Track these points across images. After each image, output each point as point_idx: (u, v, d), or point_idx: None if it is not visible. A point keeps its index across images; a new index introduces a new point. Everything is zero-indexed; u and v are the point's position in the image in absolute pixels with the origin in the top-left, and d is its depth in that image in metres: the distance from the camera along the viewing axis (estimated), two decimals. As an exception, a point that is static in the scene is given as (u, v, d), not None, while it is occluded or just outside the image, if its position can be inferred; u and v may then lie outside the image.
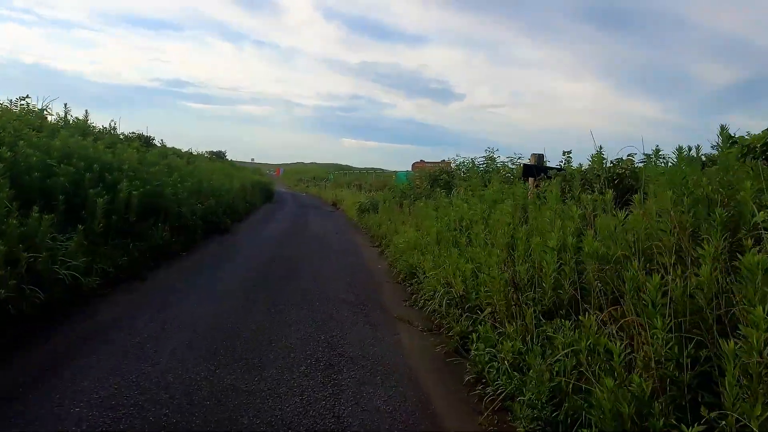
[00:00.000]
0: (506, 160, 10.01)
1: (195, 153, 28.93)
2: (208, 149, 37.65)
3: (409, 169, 28.03)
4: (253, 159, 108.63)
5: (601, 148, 5.46)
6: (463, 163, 11.52)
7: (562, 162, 7.36)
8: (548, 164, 7.42)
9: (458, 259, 5.61)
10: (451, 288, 5.28)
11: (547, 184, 6.30)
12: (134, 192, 7.09)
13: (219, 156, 37.15)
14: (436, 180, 11.69)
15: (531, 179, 7.17)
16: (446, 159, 24.79)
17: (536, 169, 7.12)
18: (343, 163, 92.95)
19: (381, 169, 41.64)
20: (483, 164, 10.81)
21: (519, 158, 9.79)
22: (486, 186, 9.04)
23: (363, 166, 61.86)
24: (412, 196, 12.54)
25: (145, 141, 18.51)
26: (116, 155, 8.41)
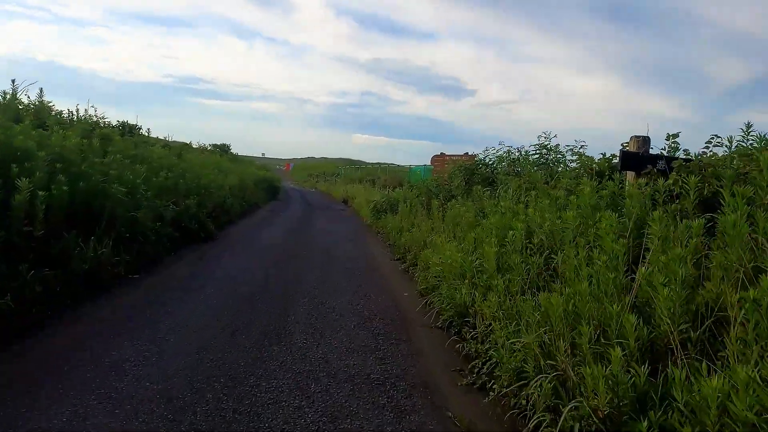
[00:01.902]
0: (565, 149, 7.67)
1: (196, 146, 26.90)
2: (212, 143, 35.67)
3: (426, 163, 25.56)
4: (263, 153, 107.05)
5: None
6: (506, 154, 9.10)
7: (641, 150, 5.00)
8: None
9: (561, 316, 3.17)
10: (560, 373, 2.86)
11: (663, 181, 3.99)
12: (46, 192, 4.77)
13: (223, 149, 35.04)
14: (473, 174, 9.30)
15: (631, 173, 4.85)
16: (469, 152, 22.35)
17: (641, 158, 4.77)
18: (354, 158, 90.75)
19: (390, 164, 39.25)
20: (535, 154, 8.42)
21: (582, 146, 7.46)
22: (549, 183, 6.72)
23: (374, 161, 59.65)
24: (441, 195, 10.16)
25: (129, 130, 16.34)
26: (46, 141, 6.07)
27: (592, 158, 6.68)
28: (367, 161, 72.03)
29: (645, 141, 5.05)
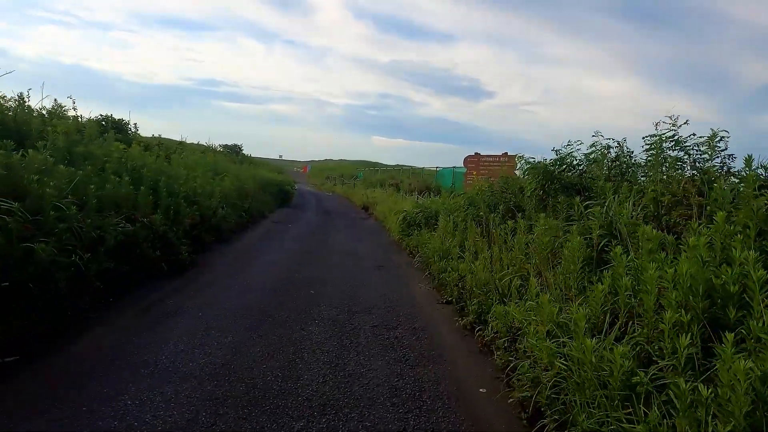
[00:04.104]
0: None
1: (206, 145, 24.44)
2: (223, 143, 33.36)
3: (449, 165, 22.88)
4: (281, 156, 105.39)
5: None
6: (604, 152, 6.28)
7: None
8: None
9: None
10: None
11: None
12: None
13: (233, 150, 32.76)
14: (554, 180, 6.48)
15: None
16: (508, 152, 19.53)
17: None
18: (373, 160, 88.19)
19: (412, 166, 36.60)
20: (651, 150, 5.69)
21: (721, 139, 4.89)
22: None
23: (393, 164, 57.00)
24: (500, 207, 7.38)
25: (114, 126, 13.86)
26: None
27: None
28: (386, 163, 69.50)
29: None
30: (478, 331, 4.75)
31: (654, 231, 3.77)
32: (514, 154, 18.96)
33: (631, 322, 3.35)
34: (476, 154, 20.06)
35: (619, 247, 3.92)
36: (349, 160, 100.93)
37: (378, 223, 15.35)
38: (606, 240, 4.57)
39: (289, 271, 7.24)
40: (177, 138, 19.65)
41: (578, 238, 4.43)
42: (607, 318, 3.40)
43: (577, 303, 3.76)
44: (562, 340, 3.34)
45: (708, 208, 4.08)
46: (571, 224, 5.37)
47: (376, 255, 9.38)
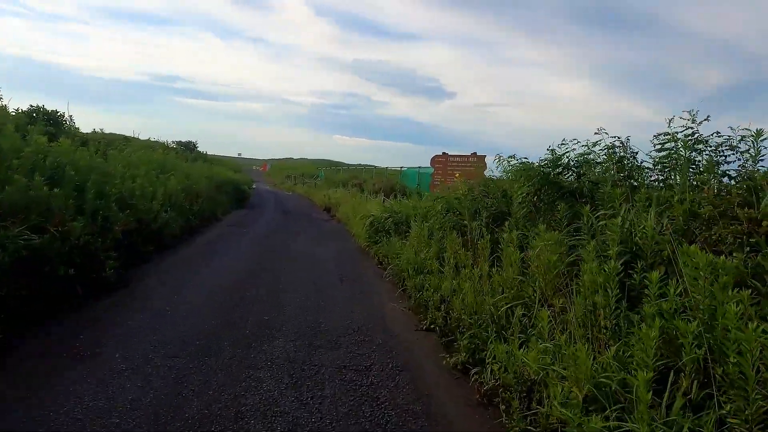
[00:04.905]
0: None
1: (157, 142, 22.86)
2: (177, 140, 31.68)
3: (413, 165, 22.11)
4: (240, 154, 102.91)
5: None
6: (610, 153, 5.42)
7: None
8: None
9: None
10: None
11: None
12: None
13: (188, 147, 31.08)
14: (549, 183, 5.60)
15: None
16: (476, 152, 18.79)
17: None
18: (335, 159, 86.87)
19: (375, 165, 35.71)
20: (662, 152, 4.91)
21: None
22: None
23: (355, 163, 55.95)
24: (483, 215, 6.45)
25: (49, 119, 12.45)
26: None
27: None
28: (348, 162, 68.44)
29: None
30: (473, 374, 3.79)
31: (705, 253, 2.90)
32: (482, 154, 18.20)
33: (695, 384, 2.47)
34: (444, 153, 19.19)
35: (655, 273, 3.05)
36: (310, 159, 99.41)
37: (341, 225, 14.31)
38: (625, 260, 3.71)
39: (238, 289, 6.13)
40: (130, 134, 18.17)
41: (599, 259, 3.55)
42: (669, 379, 2.49)
43: (613, 350, 2.85)
44: (610, 414, 2.41)
45: (765, 222, 3.24)
46: (578, 238, 4.50)
47: (342, 265, 8.34)
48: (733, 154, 4.57)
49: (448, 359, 4.16)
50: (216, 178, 16.60)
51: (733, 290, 2.52)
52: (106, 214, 6.42)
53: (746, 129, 4.58)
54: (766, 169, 4.09)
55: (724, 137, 4.62)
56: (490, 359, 3.71)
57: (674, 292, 2.84)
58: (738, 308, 2.33)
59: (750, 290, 2.47)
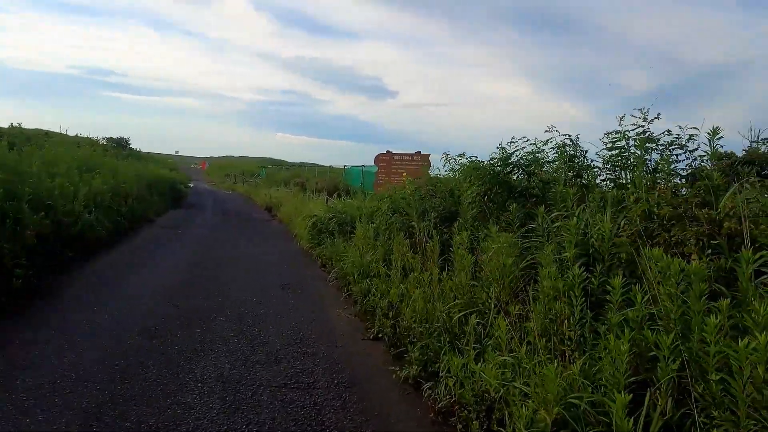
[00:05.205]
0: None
1: (85, 137, 21.49)
2: (107, 135, 30.12)
3: (357, 164, 21.87)
4: (177, 151, 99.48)
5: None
6: (561, 151, 5.27)
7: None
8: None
9: None
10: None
11: None
12: None
13: (119, 144, 29.58)
14: (500, 183, 5.39)
15: None
16: (420, 151, 18.68)
17: None
18: (276, 157, 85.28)
19: (317, 164, 35.25)
20: (613, 150, 4.83)
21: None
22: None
23: (297, 161, 55.04)
24: (433, 215, 6.19)
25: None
26: None
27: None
28: (290, 161, 67.34)
29: None
30: (427, 390, 3.50)
31: (674, 258, 2.73)
32: (426, 153, 18.08)
33: (670, 401, 2.26)
34: (388, 152, 18.97)
35: (618, 278, 2.86)
36: (251, 157, 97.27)
37: (283, 226, 13.79)
38: (582, 263, 3.52)
39: (168, 298, 5.62)
40: (57, 130, 16.92)
41: (557, 263, 3.36)
42: (647, 399, 2.27)
43: (579, 364, 2.62)
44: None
45: (726, 225, 3.11)
46: (532, 241, 4.31)
47: (283, 269, 7.91)
48: (683, 153, 4.52)
49: (398, 373, 3.85)
50: (149, 177, 15.70)
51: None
52: (18, 216, 5.76)
53: (694, 128, 4.54)
54: (717, 168, 4.03)
55: (674, 135, 4.55)
56: (444, 373, 3.43)
57: (642, 300, 2.65)
58: (717, 320, 2.13)
59: (729, 299, 2.28)
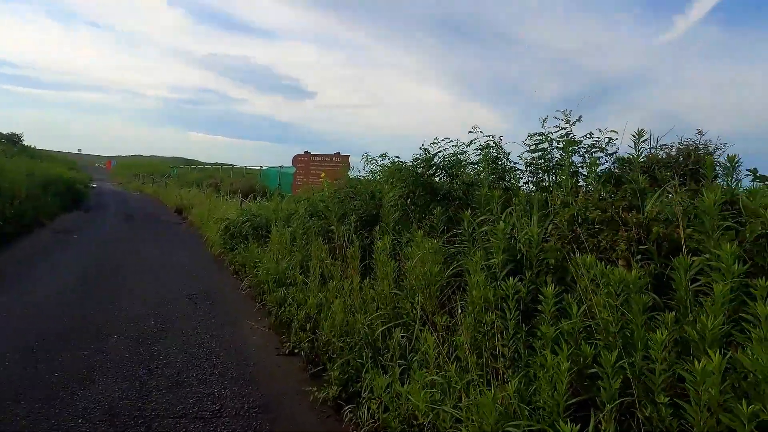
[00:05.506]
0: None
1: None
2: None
3: (275, 165, 21.33)
4: (80, 149, 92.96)
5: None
6: (485, 153, 5.10)
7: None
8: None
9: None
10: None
11: None
12: None
13: (10, 140, 27.12)
14: (422, 185, 5.14)
15: None
16: (340, 152, 18.47)
17: None
18: (190, 157, 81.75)
19: (233, 164, 34.08)
20: (536, 153, 4.76)
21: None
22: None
23: (212, 162, 53.04)
24: (353, 218, 5.87)
25: None
26: None
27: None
28: (205, 161, 64.79)
29: None
30: (348, 413, 3.17)
31: (601, 263, 2.59)
32: (346, 154, 17.79)
33: (613, 424, 2.07)
34: (306, 153, 18.49)
35: (550, 287, 2.68)
36: (162, 157, 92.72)
37: (194, 229, 12.98)
38: (509, 270, 3.35)
39: (53, 314, 4.94)
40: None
41: (484, 270, 3.15)
42: (591, 424, 2.07)
43: (515, 383, 2.39)
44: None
45: (655, 229, 3.01)
46: (458, 246, 4.10)
47: (191, 277, 7.29)
48: (603, 156, 4.49)
49: (316, 393, 3.49)
50: (42, 176, 14.32)
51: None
52: None
53: (613, 131, 4.53)
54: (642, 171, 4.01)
55: (595, 138, 4.52)
56: (366, 393, 3.12)
57: (578, 312, 2.47)
58: (663, 336, 1.96)
59: (673, 312, 2.12)
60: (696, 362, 1.71)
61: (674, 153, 4.59)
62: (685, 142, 4.65)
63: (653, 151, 4.25)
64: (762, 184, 2.97)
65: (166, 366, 3.90)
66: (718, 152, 4.38)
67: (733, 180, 3.05)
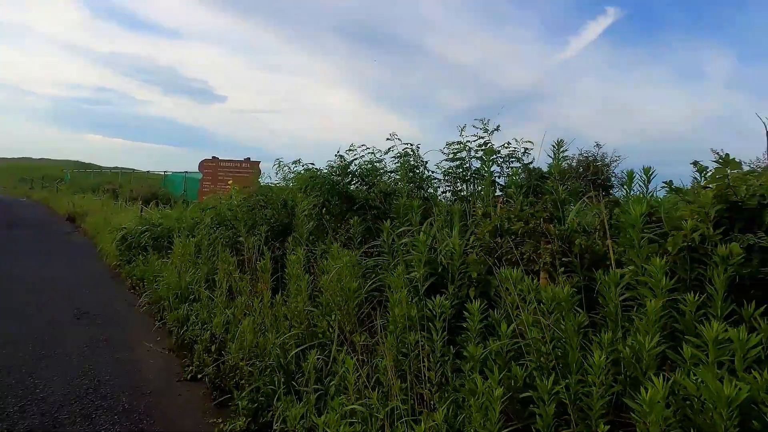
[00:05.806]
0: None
1: None
2: None
3: (188, 170, 20.49)
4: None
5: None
6: (402, 161, 4.94)
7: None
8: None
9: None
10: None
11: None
12: None
13: None
14: (338, 196, 4.85)
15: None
16: (250, 158, 18.04)
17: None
18: (86, 161, 76.36)
19: (134, 169, 32.19)
20: (455, 162, 4.70)
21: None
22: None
23: (111, 166, 49.82)
24: (264, 227, 5.50)
25: None
26: None
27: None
28: (103, 165, 60.77)
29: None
30: None
31: (530, 279, 2.49)
32: (257, 160, 17.21)
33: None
34: (214, 158, 17.72)
35: (476, 303, 2.53)
36: (54, 160, 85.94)
37: (88, 239, 11.93)
38: (430, 284, 3.20)
39: None
40: None
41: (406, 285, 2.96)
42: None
43: (442, 412, 2.20)
44: None
45: (578, 241, 2.96)
46: (376, 259, 3.90)
47: (81, 293, 6.56)
48: (520, 166, 4.49)
49: (222, 426, 3.12)
50: None
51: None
52: None
53: (529, 142, 4.54)
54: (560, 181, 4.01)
55: (512, 148, 4.51)
56: (278, 424, 2.82)
57: (507, 330, 2.33)
58: (601, 359, 1.84)
59: (609, 332, 2.01)
60: (642, 390, 1.59)
61: (575, 164, 4.69)
62: (584, 154, 4.75)
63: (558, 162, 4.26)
64: (676, 195, 3.00)
65: (40, 402, 3.36)
66: (614, 164, 4.52)
67: (649, 192, 3.07)
